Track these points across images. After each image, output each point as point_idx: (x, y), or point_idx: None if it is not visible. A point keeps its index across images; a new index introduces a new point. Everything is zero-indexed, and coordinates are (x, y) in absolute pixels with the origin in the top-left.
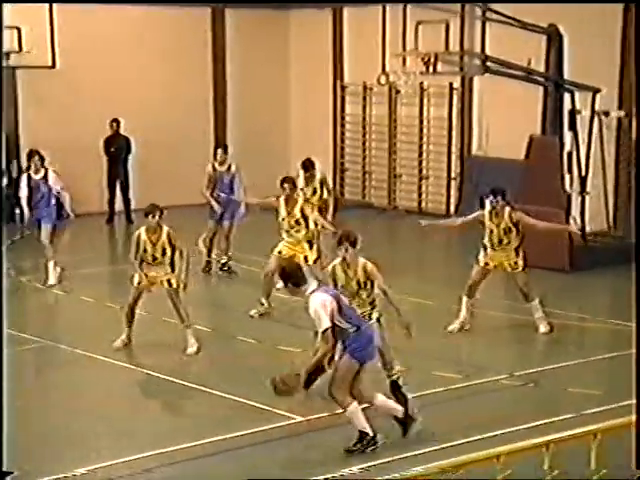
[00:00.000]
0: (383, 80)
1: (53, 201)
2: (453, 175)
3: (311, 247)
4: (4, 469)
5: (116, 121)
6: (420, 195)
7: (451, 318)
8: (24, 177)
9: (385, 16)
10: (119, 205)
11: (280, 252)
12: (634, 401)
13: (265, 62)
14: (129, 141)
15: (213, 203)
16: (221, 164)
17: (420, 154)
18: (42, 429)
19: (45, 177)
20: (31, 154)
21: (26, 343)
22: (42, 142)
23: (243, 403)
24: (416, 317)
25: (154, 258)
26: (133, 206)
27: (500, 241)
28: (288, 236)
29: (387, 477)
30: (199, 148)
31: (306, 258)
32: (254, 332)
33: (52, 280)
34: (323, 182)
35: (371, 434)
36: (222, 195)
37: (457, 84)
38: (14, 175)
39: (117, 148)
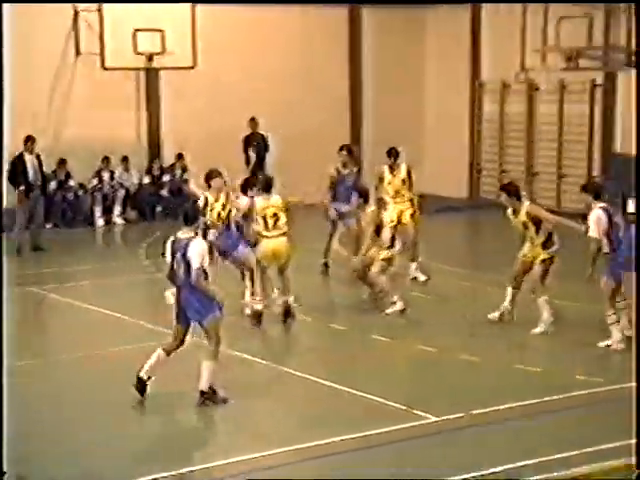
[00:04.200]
0: (522, 77)
1: None
2: (595, 174)
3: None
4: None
5: (254, 119)
6: (559, 194)
7: None
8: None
9: (526, 12)
10: None
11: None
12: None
13: (401, 60)
14: (266, 139)
15: (330, 209)
16: (344, 166)
17: (559, 152)
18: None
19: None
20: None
21: None
22: (182, 141)
23: (378, 402)
24: None
25: None
26: None
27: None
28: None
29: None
30: (336, 148)
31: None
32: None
33: None
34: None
35: None
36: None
37: (600, 80)
38: (155, 173)
39: (255, 146)
